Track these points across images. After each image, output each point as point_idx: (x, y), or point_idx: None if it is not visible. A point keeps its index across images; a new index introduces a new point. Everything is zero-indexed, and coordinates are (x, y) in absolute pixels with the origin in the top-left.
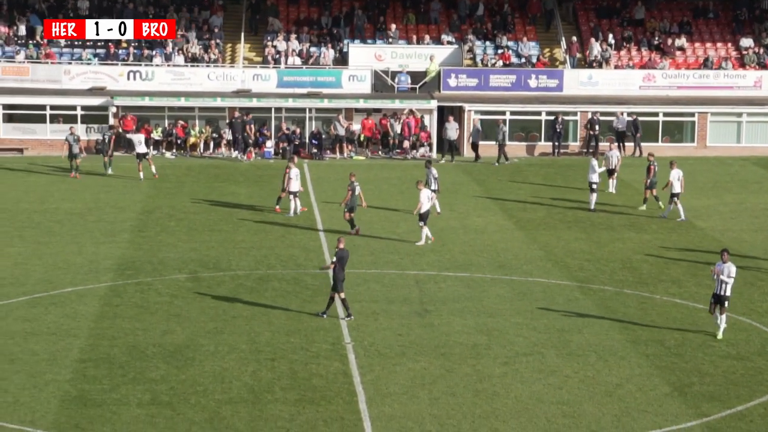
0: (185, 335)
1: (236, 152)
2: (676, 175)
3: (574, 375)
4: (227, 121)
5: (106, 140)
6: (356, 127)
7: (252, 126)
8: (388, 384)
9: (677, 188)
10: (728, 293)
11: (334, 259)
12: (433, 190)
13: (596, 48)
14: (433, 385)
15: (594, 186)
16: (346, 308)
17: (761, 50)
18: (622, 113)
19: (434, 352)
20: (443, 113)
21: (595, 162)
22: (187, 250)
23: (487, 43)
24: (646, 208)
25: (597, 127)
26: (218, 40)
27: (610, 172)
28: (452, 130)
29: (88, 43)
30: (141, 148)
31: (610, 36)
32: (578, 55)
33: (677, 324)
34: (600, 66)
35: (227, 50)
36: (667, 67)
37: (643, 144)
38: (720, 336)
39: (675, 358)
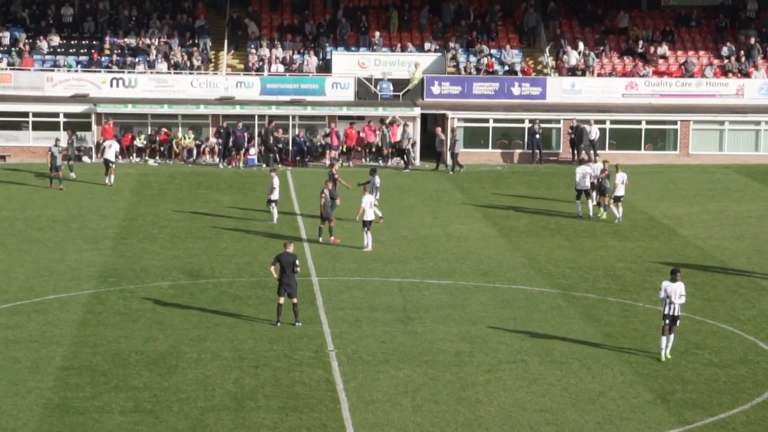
0: (168, 343)
1: (221, 161)
2: (620, 179)
3: (557, 383)
4: (220, 128)
5: (74, 144)
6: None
7: (276, 132)
8: (372, 391)
9: (621, 191)
10: (680, 313)
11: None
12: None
13: (573, 56)
14: (417, 392)
15: (584, 193)
16: (295, 314)
17: (743, 58)
18: (591, 123)
19: (417, 359)
20: (427, 121)
21: (580, 169)
22: (170, 257)
23: (471, 50)
24: (606, 215)
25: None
26: (205, 43)
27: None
28: (459, 143)
29: (71, 50)
30: (109, 154)
31: (581, 45)
32: (555, 63)
33: (659, 332)
34: (583, 74)
35: (211, 57)
36: (649, 75)
37: (625, 152)
38: (667, 356)
39: (658, 365)
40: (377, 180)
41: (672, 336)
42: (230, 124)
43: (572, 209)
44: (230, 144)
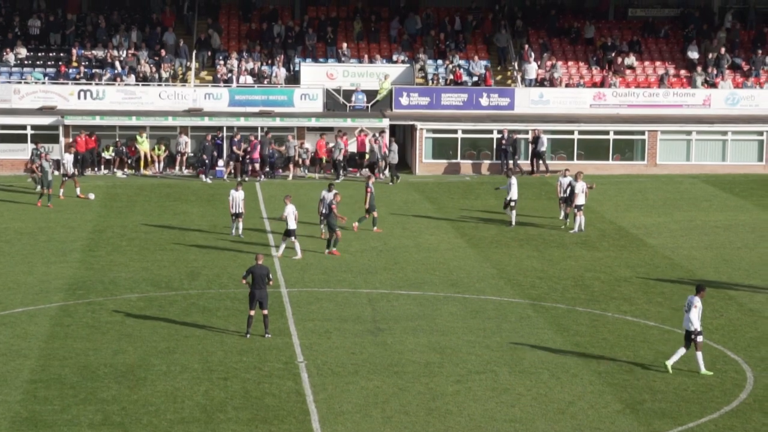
0: (137, 355)
1: (206, 177)
2: (580, 187)
3: (526, 393)
4: (205, 143)
5: (35, 159)
6: (308, 146)
7: (271, 144)
8: (341, 402)
9: (581, 200)
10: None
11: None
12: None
13: (533, 68)
14: (386, 403)
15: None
16: (265, 325)
17: (710, 68)
18: (540, 133)
19: (387, 370)
20: (395, 133)
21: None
22: (138, 269)
23: (439, 61)
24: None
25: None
26: (181, 62)
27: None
28: (395, 153)
29: (38, 63)
30: (68, 168)
31: (545, 56)
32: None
33: (629, 341)
34: (551, 84)
35: (179, 69)
36: (617, 85)
37: (593, 162)
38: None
39: (627, 375)
40: (329, 196)
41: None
42: (214, 136)
43: (541, 220)
44: (209, 156)
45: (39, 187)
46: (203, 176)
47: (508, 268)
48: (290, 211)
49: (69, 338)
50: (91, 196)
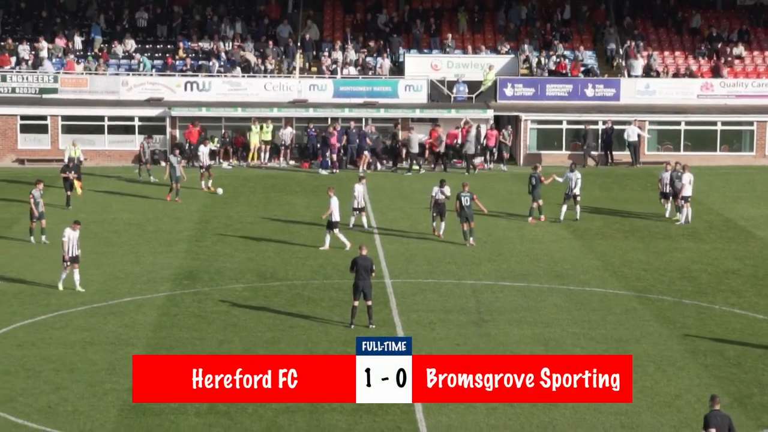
0: (242, 345)
1: (323, 169)
2: (687, 179)
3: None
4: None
5: (146, 150)
6: (421, 136)
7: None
8: None
9: (688, 191)
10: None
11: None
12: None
13: (639, 65)
14: None
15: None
16: (369, 316)
17: None
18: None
19: None
20: (499, 123)
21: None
22: (244, 260)
23: (544, 52)
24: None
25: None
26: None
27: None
28: (415, 142)
29: (146, 55)
30: (203, 160)
31: (648, 51)
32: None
33: (736, 334)
34: (658, 75)
35: (284, 61)
36: (725, 75)
37: (700, 153)
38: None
39: (734, 368)
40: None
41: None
42: (344, 126)
43: (647, 211)
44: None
45: (170, 181)
46: (321, 169)
47: (613, 260)
48: (335, 204)
49: (175, 328)
50: (220, 191)
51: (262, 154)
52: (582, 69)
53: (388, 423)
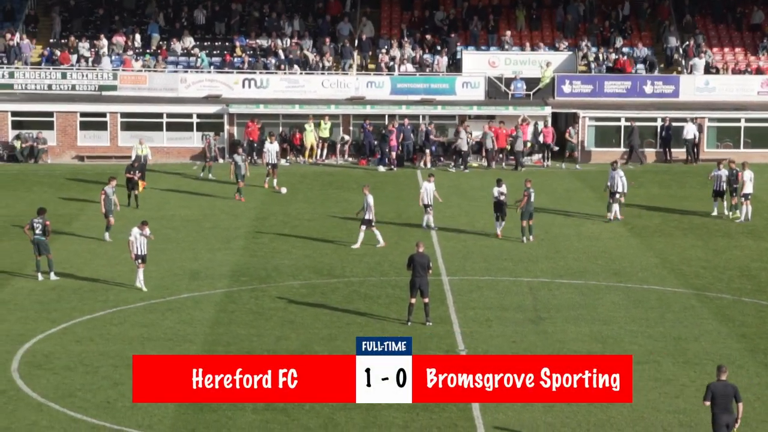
0: (299, 342)
1: (382, 167)
2: (748, 176)
3: (691, 384)
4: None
5: (212, 146)
6: (477, 133)
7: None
8: None
9: (749, 189)
10: None
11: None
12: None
13: (701, 64)
14: None
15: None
16: (426, 313)
17: None
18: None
19: None
20: (557, 120)
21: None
22: (301, 257)
23: (602, 48)
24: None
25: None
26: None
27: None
28: (464, 141)
29: (204, 51)
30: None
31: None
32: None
33: None
34: (717, 72)
35: (338, 58)
36: None
37: (760, 150)
38: None
39: None
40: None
41: None
42: (400, 125)
43: (706, 209)
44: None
45: (236, 179)
46: (381, 166)
47: (671, 258)
48: (370, 202)
49: (233, 324)
50: (284, 190)
51: (319, 151)
52: (635, 66)
53: (444, 420)
